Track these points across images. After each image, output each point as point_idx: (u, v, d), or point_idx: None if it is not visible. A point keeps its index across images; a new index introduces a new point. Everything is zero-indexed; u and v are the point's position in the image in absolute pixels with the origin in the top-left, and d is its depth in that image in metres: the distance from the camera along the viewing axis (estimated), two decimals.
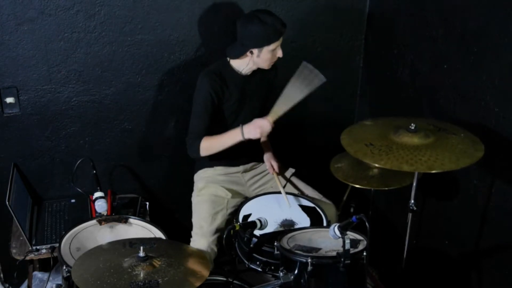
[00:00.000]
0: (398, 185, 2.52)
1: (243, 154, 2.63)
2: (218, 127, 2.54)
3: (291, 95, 2.40)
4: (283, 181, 2.69)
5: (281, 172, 2.71)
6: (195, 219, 2.58)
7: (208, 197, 2.59)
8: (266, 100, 2.69)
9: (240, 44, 2.45)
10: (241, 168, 2.69)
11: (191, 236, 2.56)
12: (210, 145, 2.50)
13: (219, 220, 2.53)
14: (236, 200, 2.61)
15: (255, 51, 2.43)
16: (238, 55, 2.49)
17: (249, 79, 2.57)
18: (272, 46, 2.41)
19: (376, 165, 2.22)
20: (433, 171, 1.97)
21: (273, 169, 2.67)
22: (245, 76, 2.55)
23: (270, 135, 2.69)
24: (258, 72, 2.56)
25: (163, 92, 2.86)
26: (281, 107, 2.42)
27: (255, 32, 2.38)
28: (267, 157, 2.73)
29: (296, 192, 2.65)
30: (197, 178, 2.72)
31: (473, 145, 2.09)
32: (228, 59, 2.56)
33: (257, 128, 2.42)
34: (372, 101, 3.15)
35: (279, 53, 2.45)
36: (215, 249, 2.49)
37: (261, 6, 2.80)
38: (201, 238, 2.48)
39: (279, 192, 2.59)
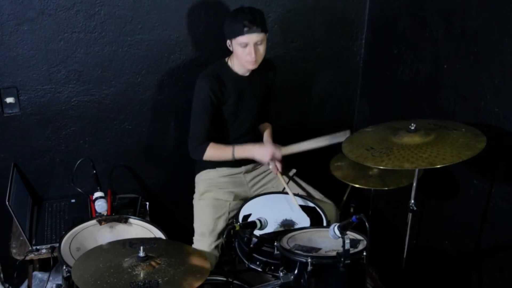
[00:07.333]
0: (398, 185, 2.52)
1: None
2: (218, 129, 2.54)
3: (314, 143, 2.53)
4: (287, 181, 2.69)
5: (283, 173, 2.71)
6: (196, 225, 2.59)
7: (210, 202, 2.58)
8: (265, 101, 2.69)
9: None
10: (243, 168, 2.69)
11: (191, 236, 2.56)
12: (213, 154, 2.54)
13: (221, 225, 2.53)
14: (238, 203, 2.60)
15: (229, 42, 2.46)
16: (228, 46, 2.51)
17: (248, 80, 2.56)
18: (239, 40, 2.38)
19: (378, 167, 2.21)
20: (435, 166, 1.95)
21: (277, 170, 2.66)
22: (243, 77, 2.55)
23: (272, 136, 2.71)
24: (256, 73, 2.56)
25: (163, 92, 2.86)
26: (299, 147, 2.53)
27: (225, 24, 2.44)
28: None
29: (296, 192, 2.64)
30: (198, 180, 2.72)
31: (474, 137, 2.07)
32: (226, 59, 2.56)
33: (269, 154, 2.51)
34: (372, 101, 3.15)
35: (252, 52, 2.37)
36: (217, 255, 2.50)
37: (261, 6, 2.80)
38: (203, 245, 2.49)
39: (280, 192, 2.60)
